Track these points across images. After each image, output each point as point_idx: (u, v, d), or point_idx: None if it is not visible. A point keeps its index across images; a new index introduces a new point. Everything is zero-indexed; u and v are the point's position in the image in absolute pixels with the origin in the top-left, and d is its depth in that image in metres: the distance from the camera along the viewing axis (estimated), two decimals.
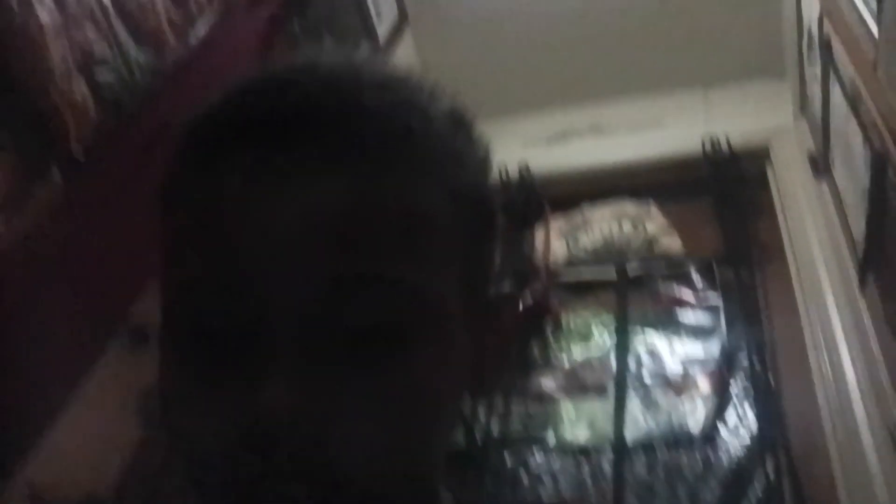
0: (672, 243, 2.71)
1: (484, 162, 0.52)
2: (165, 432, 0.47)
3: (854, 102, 1.87)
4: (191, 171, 0.47)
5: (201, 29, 2.09)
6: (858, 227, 1.91)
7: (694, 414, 2.17)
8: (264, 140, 0.44)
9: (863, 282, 1.92)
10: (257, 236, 0.43)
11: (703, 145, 2.75)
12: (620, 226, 2.75)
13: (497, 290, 0.55)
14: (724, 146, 2.74)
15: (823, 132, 2.27)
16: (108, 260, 1.78)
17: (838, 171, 2.16)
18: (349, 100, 0.45)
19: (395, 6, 3.23)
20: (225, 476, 0.43)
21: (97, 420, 1.77)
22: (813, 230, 2.36)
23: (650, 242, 2.72)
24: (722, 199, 2.69)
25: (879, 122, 1.61)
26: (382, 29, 3.04)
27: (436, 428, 0.47)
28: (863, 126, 1.79)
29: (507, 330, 0.57)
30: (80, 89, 1.72)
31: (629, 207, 2.83)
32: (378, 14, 3.02)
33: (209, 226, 0.44)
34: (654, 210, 2.81)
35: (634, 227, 2.75)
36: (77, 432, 1.64)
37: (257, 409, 0.41)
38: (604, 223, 2.77)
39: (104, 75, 1.82)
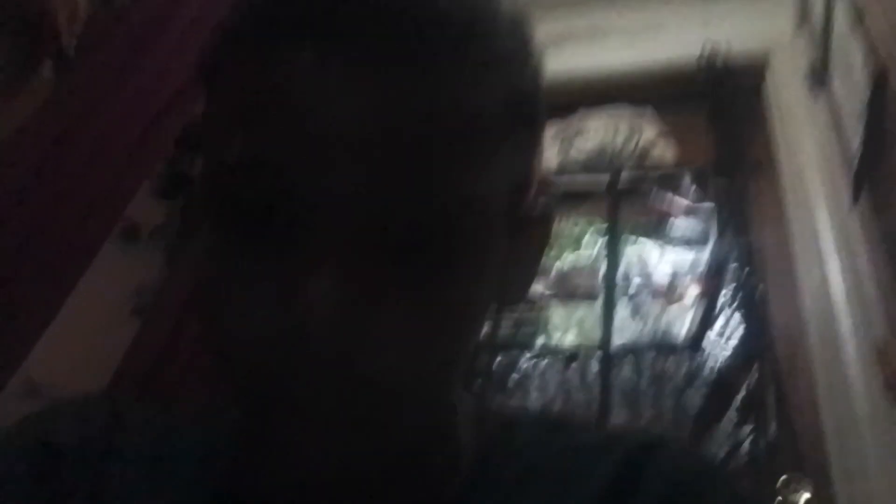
0: (666, 152, 2.70)
1: (539, 67, 0.51)
2: (200, 319, 0.46)
3: (859, 15, 1.84)
4: (250, 48, 0.44)
5: None
6: (854, 141, 1.91)
7: (681, 321, 2.21)
8: (329, 27, 0.42)
9: (855, 197, 1.92)
10: (317, 126, 0.41)
11: (701, 54, 2.71)
12: (615, 133, 2.73)
13: (536, 202, 0.54)
14: (722, 56, 2.70)
15: (824, 45, 2.24)
16: (102, 156, 1.77)
17: (836, 86, 2.14)
18: (436, 10, 0.43)
19: None
20: (258, 368, 0.43)
21: (93, 317, 1.78)
22: (807, 143, 2.35)
23: (644, 150, 2.71)
24: (718, 109, 2.66)
25: (883, 35, 1.59)
26: None
27: (466, 338, 0.47)
28: (865, 41, 1.77)
29: (541, 244, 0.56)
30: None
31: (625, 115, 2.80)
32: None
33: (268, 108, 0.42)
34: (650, 118, 2.79)
35: (630, 132, 2.74)
36: (73, 328, 1.66)
37: (300, 305, 0.40)
38: (599, 130, 2.75)
39: None
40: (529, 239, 0.53)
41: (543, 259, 0.57)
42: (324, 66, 0.41)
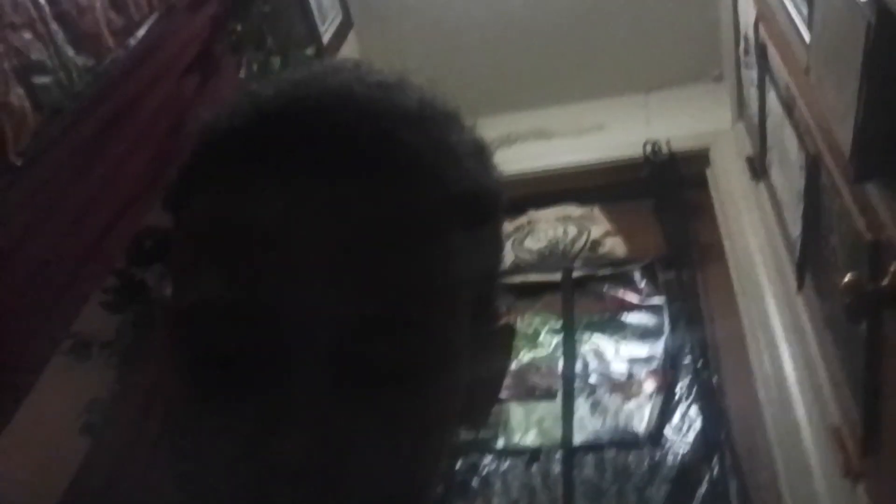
0: (616, 245, 2.75)
1: (497, 193, 0.52)
2: (167, 457, 0.45)
3: (789, 106, 1.92)
4: (214, 185, 0.45)
5: (142, 32, 2.06)
6: (794, 228, 1.96)
7: (640, 414, 2.20)
8: (295, 164, 0.42)
9: (800, 282, 1.96)
10: (283, 264, 0.41)
11: (645, 148, 2.80)
12: (565, 229, 2.79)
13: (498, 316, 0.54)
14: (665, 149, 2.79)
15: (760, 135, 2.32)
16: (48, 269, 1.74)
17: (775, 174, 2.21)
18: (384, 134, 0.44)
19: (339, 8, 3.21)
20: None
21: (41, 434, 1.73)
22: (751, 231, 2.41)
23: (594, 245, 2.76)
24: (663, 202, 2.73)
25: (812, 125, 1.66)
26: (326, 31, 3.03)
27: (439, 458, 0.48)
28: (797, 129, 1.84)
29: (504, 357, 0.56)
30: (17, 94, 1.68)
31: (574, 211, 2.86)
32: (322, 16, 3.01)
33: (232, 246, 0.42)
34: (598, 213, 2.85)
35: (579, 230, 2.79)
36: (21, 447, 1.60)
37: (272, 453, 0.40)
38: (549, 226, 2.80)
39: (42, 80, 1.78)
40: (494, 351, 0.53)
41: (503, 380, 0.57)
42: (291, 205, 0.42)
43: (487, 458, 2.21)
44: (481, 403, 0.54)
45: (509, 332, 0.56)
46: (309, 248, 0.41)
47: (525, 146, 3.01)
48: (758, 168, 2.42)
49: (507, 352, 0.56)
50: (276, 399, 0.41)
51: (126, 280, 2.22)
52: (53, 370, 1.72)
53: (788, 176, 2.00)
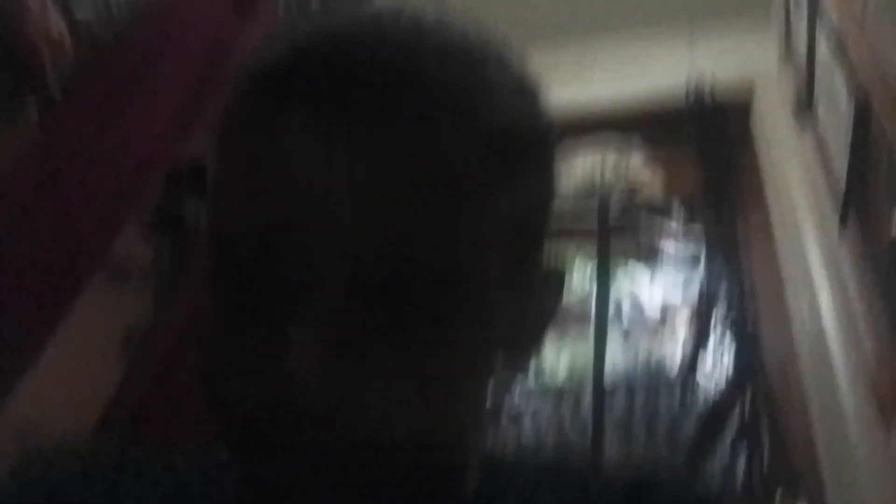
0: (655, 180, 2.71)
1: (545, 133, 0.51)
2: (198, 373, 0.47)
3: (839, 46, 1.86)
4: (253, 114, 0.46)
5: None
6: (839, 170, 1.92)
7: (672, 354, 2.20)
8: (330, 95, 0.43)
9: (842, 224, 1.93)
10: (312, 190, 0.42)
11: (688, 86, 2.74)
12: (603, 167, 2.75)
13: (546, 262, 0.53)
14: (708, 87, 2.72)
15: (808, 77, 2.26)
16: (87, 198, 1.76)
17: (821, 116, 2.16)
18: (417, 68, 0.44)
19: None
20: (250, 424, 0.44)
21: (79, 358, 1.76)
22: (794, 172, 2.37)
23: (633, 184, 2.72)
24: (704, 142, 2.69)
25: (864, 66, 1.61)
26: None
27: (467, 398, 0.47)
28: (847, 70, 1.79)
29: (550, 302, 0.55)
30: (57, 26, 1.68)
31: (613, 148, 2.81)
32: None
33: (263, 172, 0.44)
34: (638, 152, 2.80)
35: (617, 168, 2.75)
36: (59, 371, 1.64)
37: (286, 366, 0.41)
38: (587, 160, 2.76)
39: (82, 12, 1.78)
40: (538, 295, 0.53)
41: (549, 325, 0.55)
42: (324, 134, 0.43)
43: (518, 395, 2.22)
44: (525, 345, 0.53)
45: (559, 278, 0.56)
46: (338, 182, 0.42)
47: (565, 78, 2.95)
48: (803, 108, 2.37)
49: (556, 297, 0.55)
50: (297, 316, 0.42)
51: (163, 210, 2.25)
52: (92, 296, 1.75)
53: (836, 117, 1.95)
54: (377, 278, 0.42)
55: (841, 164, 1.89)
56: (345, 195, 0.42)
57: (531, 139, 0.49)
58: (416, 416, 0.44)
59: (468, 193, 0.44)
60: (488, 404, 0.55)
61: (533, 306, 0.52)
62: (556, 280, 0.55)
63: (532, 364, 2.28)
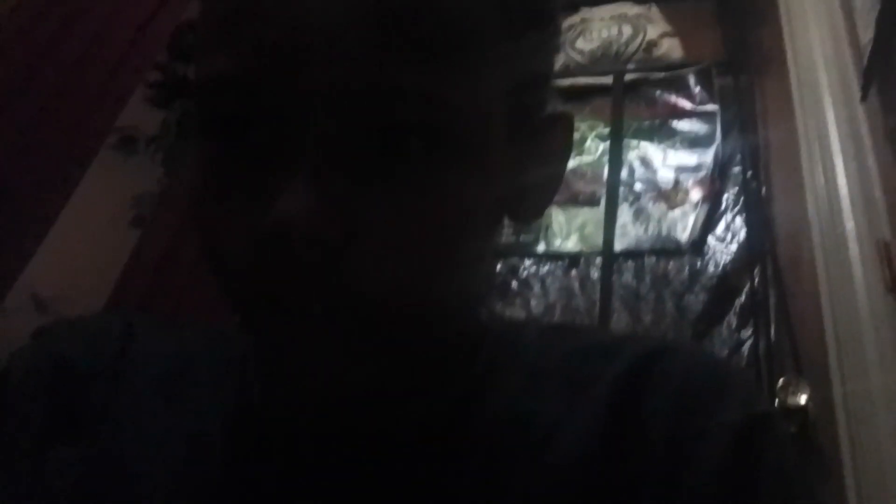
0: (672, 48, 2.63)
1: None
2: (194, 228, 0.46)
3: None
4: None
5: None
6: (866, 34, 1.85)
7: (684, 223, 2.18)
8: None
9: (864, 93, 1.88)
10: (293, 24, 0.40)
11: None
12: (620, 29, 2.66)
13: (550, 108, 0.52)
14: None
15: None
16: (92, 61, 1.73)
17: None
18: None
19: None
20: (247, 277, 0.43)
21: (92, 226, 1.77)
22: (817, 36, 2.28)
23: (649, 46, 2.64)
24: (725, 2, 2.58)
25: None
26: None
27: (469, 250, 0.46)
28: None
29: (557, 151, 0.53)
30: None
31: (630, 9, 2.72)
32: None
33: (246, 19, 0.42)
34: (656, 12, 2.70)
35: (634, 30, 2.66)
36: (73, 239, 1.65)
37: (276, 212, 0.39)
38: (602, 26, 2.68)
39: None
40: (544, 144, 0.51)
41: (563, 171, 0.54)
42: None
43: (527, 261, 2.23)
44: (534, 198, 0.52)
45: (566, 123, 0.53)
46: (330, 19, 0.40)
47: None
48: None
49: (565, 144, 0.54)
50: (285, 161, 0.40)
51: (169, 74, 2.20)
52: (101, 165, 1.74)
53: None
54: (368, 118, 0.41)
55: (866, 31, 1.82)
56: (333, 24, 0.40)
57: (536, 3, 0.48)
58: (415, 276, 0.42)
59: (464, 33, 0.42)
60: (496, 269, 0.54)
61: (539, 160, 0.51)
62: (564, 124, 0.53)
63: (542, 230, 2.28)
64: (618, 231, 2.20)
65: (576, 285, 2.16)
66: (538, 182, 0.52)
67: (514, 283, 2.19)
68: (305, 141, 0.40)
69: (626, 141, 2.42)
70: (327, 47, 0.40)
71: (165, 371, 0.57)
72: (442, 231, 0.43)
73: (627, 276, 2.13)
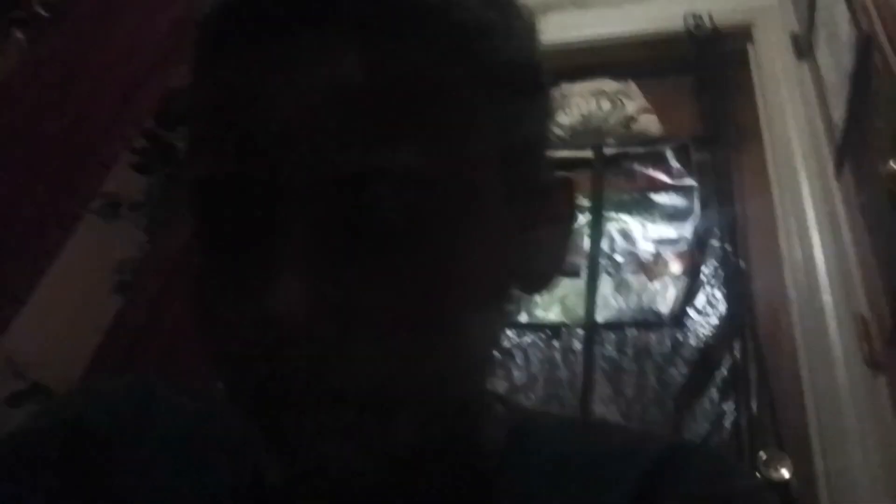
0: (650, 123, 2.68)
1: (523, 36, 0.49)
2: (193, 314, 0.45)
3: None
4: (207, 52, 0.44)
5: None
6: (838, 111, 1.90)
7: (664, 295, 2.21)
8: (281, 18, 0.41)
9: (839, 168, 1.92)
10: (271, 119, 0.40)
11: (686, 22, 2.69)
12: (599, 104, 2.71)
13: (548, 175, 0.52)
14: (707, 24, 2.67)
15: (809, 11, 2.22)
16: (77, 126, 1.73)
17: (821, 53, 2.13)
18: None
19: None
20: (243, 368, 0.42)
21: (73, 293, 1.76)
22: (791, 113, 2.34)
23: (628, 121, 2.69)
24: (702, 79, 2.65)
25: (868, 5, 1.58)
26: None
27: (474, 325, 0.44)
28: (851, 5, 1.75)
29: (561, 216, 0.52)
30: None
31: (608, 85, 2.78)
32: None
33: (225, 108, 0.42)
34: (634, 88, 2.76)
35: (613, 105, 2.72)
36: (54, 304, 1.64)
37: (269, 308, 0.39)
38: (582, 101, 2.73)
39: None
40: (546, 210, 0.51)
41: (570, 237, 0.54)
42: (276, 59, 0.41)
43: (509, 332, 2.23)
44: (543, 266, 0.52)
45: (567, 187, 0.53)
46: (296, 99, 0.40)
47: (560, 15, 2.90)
48: (803, 46, 2.33)
49: (568, 208, 0.53)
50: (276, 256, 0.40)
51: (154, 141, 2.21)
52: (84, 230, 1.74)
53: (837, 56, 1.92)
54: (353, 204, 0.40)
55: (839, 104, 1.87)
56: (310, 113, 0.40)
57: (521, 71, 0.48)
58: (418, 361, 0.42)
59: (444, 108, 0.42)
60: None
61: (542, 226, 0.50)
62: (566, 188, 0.53)
63: (525, 303, 2.28)
64: (599, 302, 2.22)
65: (558, 356, 2.16)
66: (544, 249, 0.51)
67: (497, 355, 2.19)
68: (292, 233, 0.40)
69: (606, 213, 2.45)
70: (306, 137, 0.40)
71: (182, 436, 0.56)
72: (442, 309, 0.42)
73: (609, 348, 2.14)
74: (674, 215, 2.41)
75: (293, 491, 0.47)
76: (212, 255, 0.44)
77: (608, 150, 2.59)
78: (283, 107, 0.40)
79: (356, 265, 0.41)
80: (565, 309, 2.26)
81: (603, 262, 2.33)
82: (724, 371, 1.97)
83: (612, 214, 2.45)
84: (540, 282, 0.52)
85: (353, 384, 0.41)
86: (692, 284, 2.20)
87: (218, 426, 0.56)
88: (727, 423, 1.86)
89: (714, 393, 1.95)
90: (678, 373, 2.03)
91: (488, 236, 0.44)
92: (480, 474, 0.52)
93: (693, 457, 0.54)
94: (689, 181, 2.48)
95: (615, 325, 2.18)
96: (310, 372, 0.40)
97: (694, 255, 2.27)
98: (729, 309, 2.08)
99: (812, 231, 2.00)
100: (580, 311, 2.21)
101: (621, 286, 2.27)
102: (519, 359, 2.18)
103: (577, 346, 2.16)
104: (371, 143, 0.40)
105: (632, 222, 2.43)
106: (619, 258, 2.35)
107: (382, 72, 0.40)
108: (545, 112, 0.52)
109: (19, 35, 1.72)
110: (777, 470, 1.65)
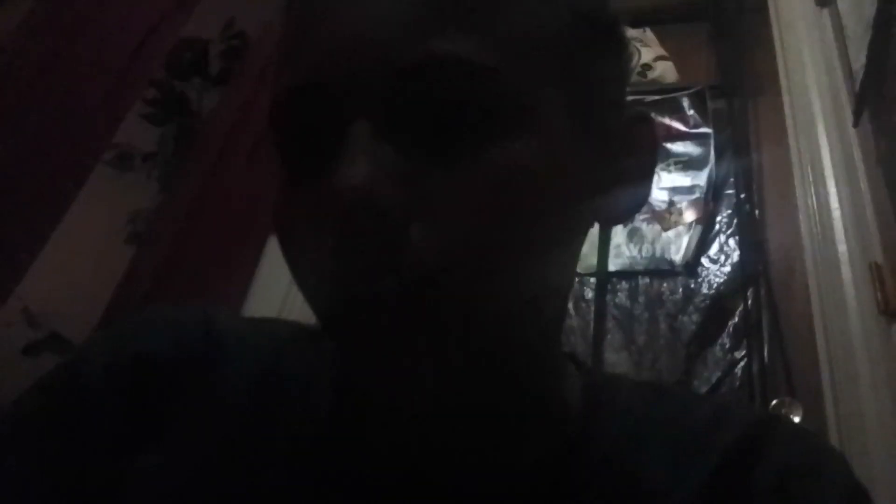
0: (666, 70, 2.65)
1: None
2: (277, 231, 0.46)
3: None
4: None
5: None
6: (858, 59, 1.87)
7: (678, 244, 2.20)
8: None
9: (857, 117, 1.89)
10: (344, 27, 0.43)
11: None
12: None
13: (626, 111, 0.52)
14: None
15: None
16: (89, 77, 1.73)
17: (842, 1, 2.09)
18: None
19: None
20: (319, 272, 0.42)
21: (87, 242, 1.77)
22: (810, 61, 2.30)
23: (644, 69, 2.66)
24: (720, 26, 2.61)
25: None
26: None
27: (541, 236, 0.44)
28: None
29: (642, 149, 0.52)
30: None
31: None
32: None
33: (305, 26, 0.45)
34: (650, 35, 2.73)
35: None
36: (68, 254, 1.65)
37: (334, 184, 0.39)
38: None
39: None
40: (625, 147, 0.51)
41: (652, 172, 0.53)
42: None
43: None
44: (624, 199, 0.51)
45: (645, 121, 0.53)
46: (378, 9, 0.42)
47: None
48: None
49: (649, 143, 0.53)
50: (340, 142, 0.41)
51: (166, 92, 2.21)
52: (97, 181, 1.75)
53: (858, 3, 1.88)
54: (416, 89, 0.41)
55: (859, 53, 1.84)
56: (386, 13, 0.42)
57: (601, 15, 0.50)
58: (484, 254, 0.41)
59: (514, 17, 0.44)
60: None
61: (622, 161, 0.50)
62: (644, 127, 0.53)
63: None
64: (612, 251, 2.21)
65: (570, 305, 2.16)
66: (626, 182, 0.51)
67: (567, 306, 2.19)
68: (357, 122, 0.41)
69: None
70: (371, 36, 0.42)
71: (254, 369, 0.54)
72: (503, 205, 0.42)
73: (621, 297, 2.13)
74: (689, 164, 2.39)
75: (367, 424, 0.47)
76: (291, 161, 0.45)
77: None
78: (354, 16, 0.42)
79: (421, 151, 0.41)
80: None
81: None
82: (736, 319, 1.97)
83: None
84: (621, 215, 0.53)
85: (425, 269, 0.40)
86: (706, 233, 2.19)
87: (288, 360, 0.55)
88: (739, 370, 1.86)
89: (726, 340, 1.95)
90: (690, 321, 2.02)
91: (549, 144, 0.44)
92: (561, 437, 0.51)
93: (780, 430, 0.53)
94: (705, 129, 2.45)
95: (628, 274, 2.17)
96: (381, 252, 0.40)
97: (708, 204, 2.25)
98: (742, 257, 2.07)
99: (829, 179, 1.97)
100: (592, 259, 2.21)
101: (634, 235, 2.26)
102: None
103: (589, 294, 2.16)
104: (428, 35, 0.41)
105: None
106: None
107: None
108: (621, 64, 0.52)
109: None
110: (789, 416, 1.66)
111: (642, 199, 0.53)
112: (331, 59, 0.42)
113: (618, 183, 0.50)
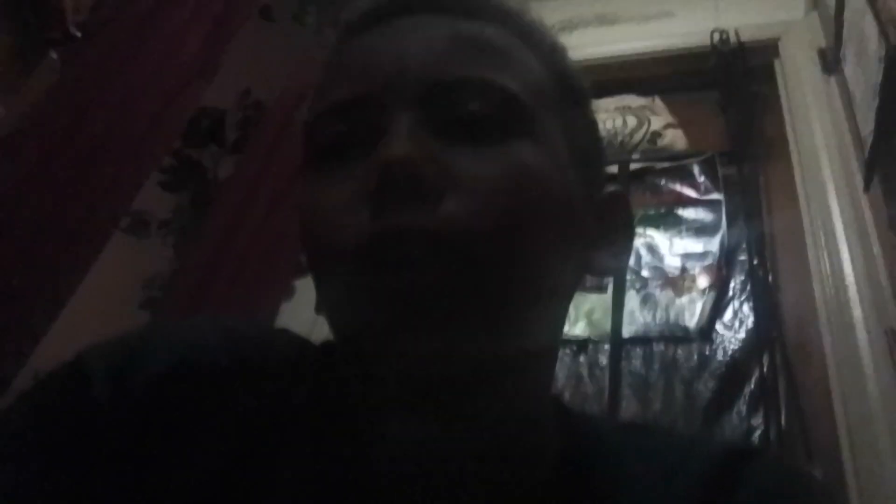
0: (676, 138, 2.68)
1: (573, 70, 0.61)
2: (301, 219, 0.52)
3: None
4: (345, 35, 0.56)
5: None
6: (866, 125, 1.89)
7: (691, 310, 2.19)
8: (393, 9, 0.55)
9: (867, 182, 1.90)
10: (391, 54, 0.52)
11: (712, 37, 2.68)
12: (625, 120, 2.71)
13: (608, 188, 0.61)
14: (733, 39, 2.67)
15: (836, 25, 2.21)
16: (109, 145, 1.76)
17: (849, 67, 2.11)
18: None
19: None
20: (356, 229, 0.47)
21: (102, 310, 1.78)
22: (819, 127, 2.33)
23: (654, 137, 2.69)
24: (728, 94, 2.64)
25: None
26: None
27: (543, 224, 0.51)
28: (879, 18, 1.74)
29: (619, 218, 0.61)
30: None
31: (634, 101, 2.78)
32: None
33: (359, 59, 0.54)
34: (659, 104, 2.76)
35: (639, 121, 2.72)
36: (83, 320, 1.66)
37: (379, 157, 0.47)
38: (607, 117, 2.74)
39: None
40: (607, 217, 0.59)
41: (632, 238, 0.62)
42: (390, 27, 0.54)
43: None
44: (605, 254, 0.58)
45: (621, 199, 0.62)
46: (417, 45, 0.52)
47: (586, 31, 2.91)
48: (830, 61, 2.32)
49: (626, 214, 0.62)
50: (382, 129, 0.49)
51: (183, 160, 2.24)
52: (114, 247, 1.76)
53: (865, 70, 1.91)
54: (448, 99, 0.50)
55: (867, 118, 1.85)
56: (420, 50, 0.51)
57: (570, 79, 0.60)
58: (505, 231, 0.48)
59: (507, 54, 0.54)
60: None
61: (605, 227, 0.58)
62: (620, 200, 0.62)
63: None
64: (626, 317, 2.20)
65: (584, 371, 2.15)
66: (609, 237, 0.59)
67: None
68: (397, 119, 0.49)
69: (633, 226, 2.43)
70: (412, 59, 0.51)
71: (267, 385, 0.56)
72: (519, 191, 0.49)
73: (636, 363, 2.12)
74: (700, 230, 2.40)
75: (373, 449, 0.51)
76: (328, 169, 0.51)
77: (634, 166, 2.58)
78: (398, 48, 0.52)
79: (451, 141, 0.49)
80: (591, 324, 2.25)
81: (629, 277, 2.32)
82: (752, 385, 1.95)
83: (639, 229, 2.44)
84: (607, 269, 0.59)
85: (454, 237, 0.46)
86: (720, 299, 2.19)
87: (298, 376, 0.57)
88: (756, 437, 1.84)
89: (742, 407, 1.93)
90: (705, 387, 2.00)
91: (552, 156, 0.53)
92: (544, 466, 0.54)
93: (759, 458, 0.55)
94: (716, 195, 2.46)
95: (642, 340, 2.16)
96: (416, 217, 0.46)
97: (721, 269, 2.25)
98: (757, 323, 2.06)
99: (841, 245, 1.98)
100: (606, 326, 2.20)
101: (648, 301, 2.26)
102: None
103: (604, 361, 2.14)
104: (464, 65, 0.51)
105: (658, 237, 2.42)
106: (645, 273, 2.34)
107: (460, 32, 0.53)
108: (592, 124, 0.63)
109: (54, 55, 1.75)
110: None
111: (625, 260, 0.61)
112: (377, 77, 0.51)
113: (603, 237, 0.57)
